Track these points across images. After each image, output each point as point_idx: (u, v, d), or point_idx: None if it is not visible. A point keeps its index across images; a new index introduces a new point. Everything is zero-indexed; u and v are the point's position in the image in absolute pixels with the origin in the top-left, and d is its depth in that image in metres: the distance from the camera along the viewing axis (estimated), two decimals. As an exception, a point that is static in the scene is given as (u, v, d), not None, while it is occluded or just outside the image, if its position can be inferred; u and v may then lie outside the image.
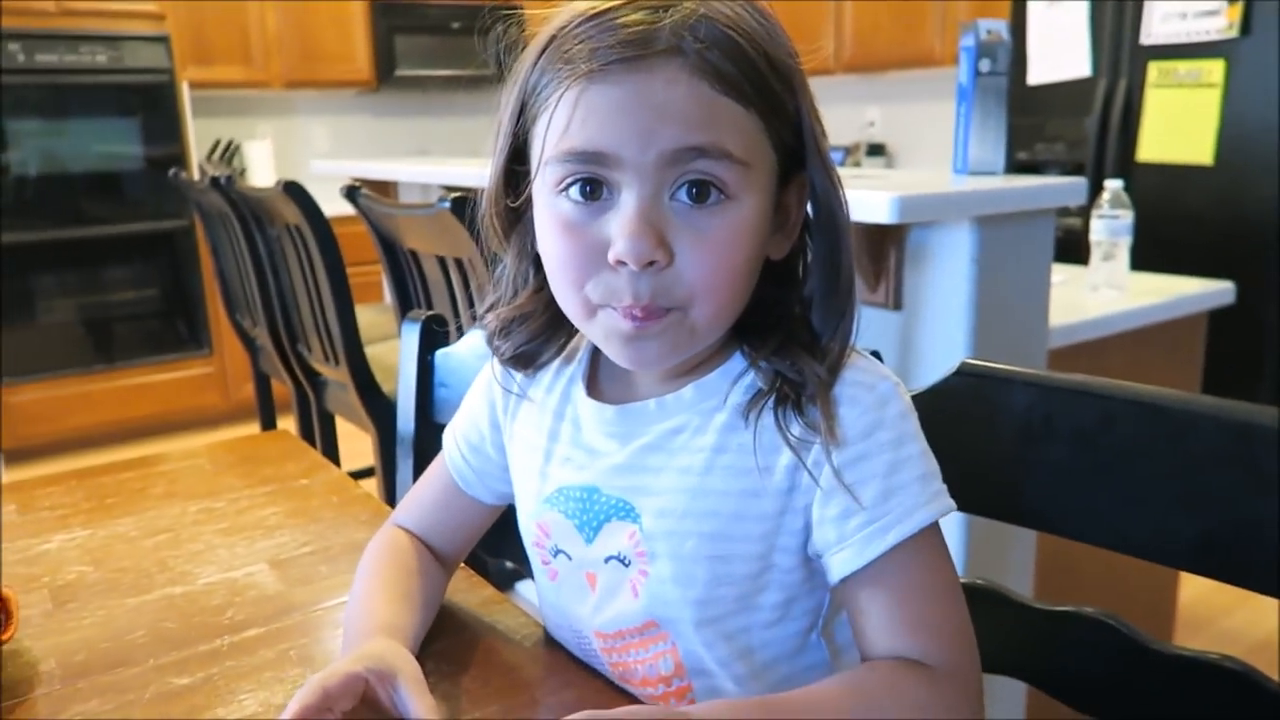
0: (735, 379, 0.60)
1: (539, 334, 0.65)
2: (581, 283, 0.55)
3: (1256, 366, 2.69)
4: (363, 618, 0.64)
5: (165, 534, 0.88)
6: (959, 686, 0.55)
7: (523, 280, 0.64)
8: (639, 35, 0.51)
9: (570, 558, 0.64)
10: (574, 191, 0.54)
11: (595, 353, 0.66)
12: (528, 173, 0.59)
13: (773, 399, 0.58)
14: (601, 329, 0.57)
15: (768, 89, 0.54)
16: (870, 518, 0.55)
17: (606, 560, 0.62)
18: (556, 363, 0.67)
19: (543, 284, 0.62)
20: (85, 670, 0.66)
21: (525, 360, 0.66)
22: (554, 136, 0.54)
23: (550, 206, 0.56)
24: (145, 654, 0.68)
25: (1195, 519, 0.65)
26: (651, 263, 0.53)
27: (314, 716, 0.51)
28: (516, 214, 0.62)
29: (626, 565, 0.61)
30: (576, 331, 0.66)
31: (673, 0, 0.53)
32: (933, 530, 0.57)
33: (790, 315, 0.60)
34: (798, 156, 0.57)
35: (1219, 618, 2.14)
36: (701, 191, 0.53)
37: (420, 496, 0.75)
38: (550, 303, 0.63)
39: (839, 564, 0.56)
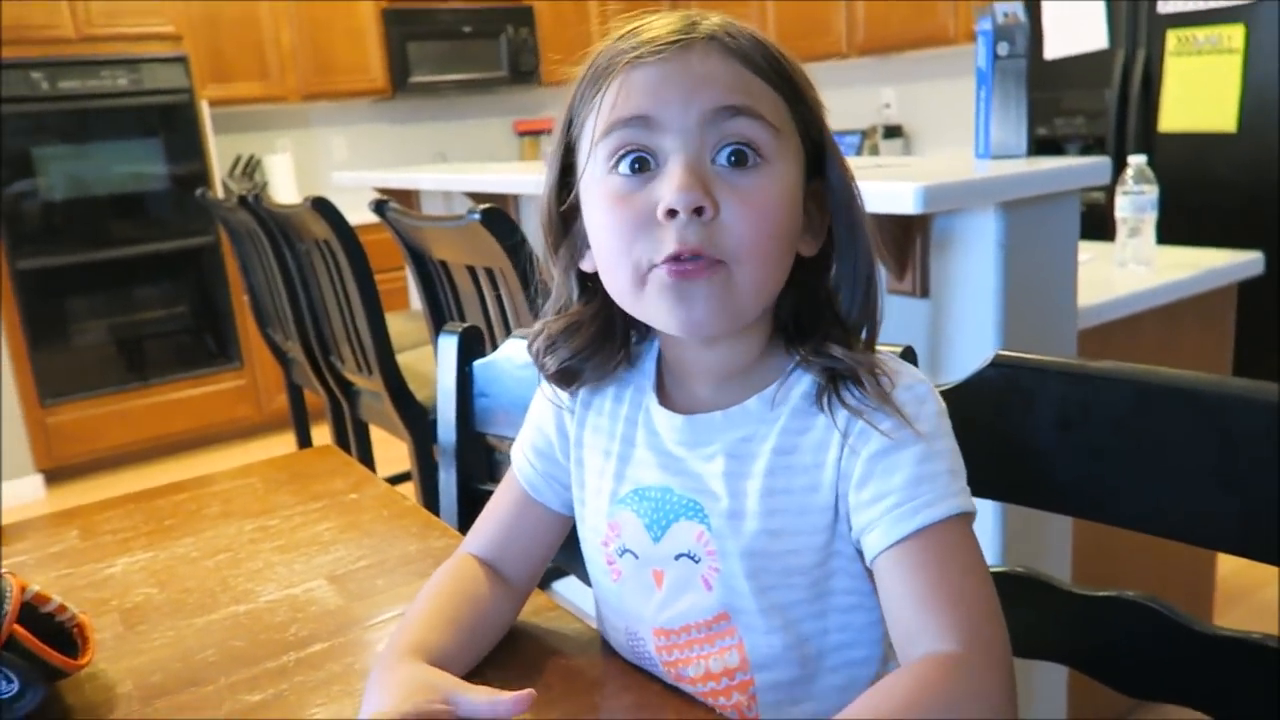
0: (788, 383, 0.64)
1: (582, 349, 0.68)
2: (630, 246, 0.59)
3: (1289, 334, 2.67)
4: (394, 638, 0.66)
5: (225, 553, 0.91)
6: (990, 666, 0.54)
7: (567, 298, 0.68)
8: (678, 31, 0.59)
9: (637, 556, 0.67)
10: (624, 166, 0.59)
11: (660, 365, 0.69)
12: (573, 189, 0.64)
13: (828, 393, 0.62)
14: (653, 293, 0.60)
15: (790, 79, 0.61)
16: (900, 500, 0.58)
17: (677, 558, 0.65)
18: (623, 372, 0.70)
19: (588, 300, 0.67)
20: (161, 691, 0.69)
21: (569, 376, 0.69)
22: (603, 116, 0.59)
23: (601, 187, 0.61)
24: (217, 672, 0.70)
25: (1232, 500, 0.66)
26: (699, 210, 0.57)
27: None
28: (565, 227, 0.66)
29: (696, 562, 0.64)
30: (620, 349, 0.69)
31: (697, 16, 0.61)
32: (961, 523, 0.59)
33: (823, 311, 0.64)
34: (816, 158, 0.63)
35: (1257, 589, 2.14)
36: (740, 156, 0.58)
37: (489, 517, 0.77)
38: (594, 317, 0.67)
39: (871, 543, 0.59)
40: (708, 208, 0.57)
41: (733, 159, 0.58)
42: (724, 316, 0.60)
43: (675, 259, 0.57)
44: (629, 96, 0.58)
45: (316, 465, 1.13)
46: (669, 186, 0.57)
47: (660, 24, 0.60)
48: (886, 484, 0.59)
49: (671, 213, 0.57)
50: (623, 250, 0.60)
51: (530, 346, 0.69)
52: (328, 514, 0.98)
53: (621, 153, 0.59)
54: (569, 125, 0.63)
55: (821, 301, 0.64)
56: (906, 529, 0.58)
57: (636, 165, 0.59)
